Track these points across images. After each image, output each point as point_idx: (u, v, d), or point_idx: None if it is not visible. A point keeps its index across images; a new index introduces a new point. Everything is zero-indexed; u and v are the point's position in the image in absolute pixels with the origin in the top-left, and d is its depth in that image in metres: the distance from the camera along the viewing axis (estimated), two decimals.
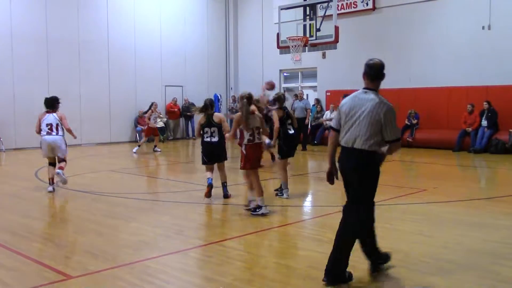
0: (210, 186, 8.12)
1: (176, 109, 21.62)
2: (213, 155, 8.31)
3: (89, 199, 8.55)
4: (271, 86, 10.56)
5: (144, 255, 5.26)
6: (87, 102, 19.05)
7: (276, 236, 6.04)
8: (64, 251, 5.47)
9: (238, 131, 7.49)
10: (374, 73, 4.69)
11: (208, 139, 8.17)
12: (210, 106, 8.21)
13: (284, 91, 22.21)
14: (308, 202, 8.77)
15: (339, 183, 4.83)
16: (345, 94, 10.38)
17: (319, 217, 7.11)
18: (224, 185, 8.41)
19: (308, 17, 15.89)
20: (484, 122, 15.24)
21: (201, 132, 8.17)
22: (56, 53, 18.22)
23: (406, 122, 17.11)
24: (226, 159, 8.53)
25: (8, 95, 17.01)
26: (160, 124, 17.56)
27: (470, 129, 15.49)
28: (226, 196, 8.35)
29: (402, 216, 6.96)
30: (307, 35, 15.57)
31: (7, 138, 16.91)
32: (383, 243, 5.54)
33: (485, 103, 15.33)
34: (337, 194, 9.16)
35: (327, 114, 18.48)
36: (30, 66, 17.58)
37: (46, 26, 17.97)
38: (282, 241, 5.78)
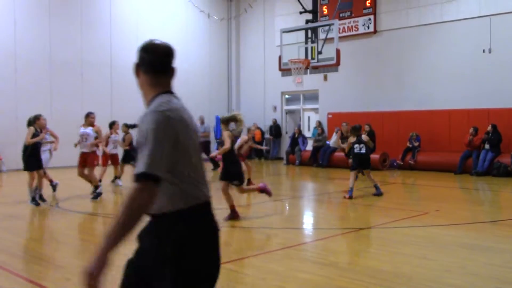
0: None
1: None
2: None
3: (89, 221, 8.50)
4: None
5: None
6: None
7: (277, 258, 5.97)
8: (63, 273, 5.41)
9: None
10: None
11: None
12: None
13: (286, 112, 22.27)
14: (309, 225, 8.71)
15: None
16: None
17: (321, 240, 7.05)
18: None
19: (309, 39, 16.03)
20: (487, 145, 15.22)
21: None
22: (59, 73, 18.34)
23: (408, 144, 17.10)
24: None
25: (11, 115, 17.06)
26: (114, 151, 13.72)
27: (471, 137, 15.46)
28: None
29: (404, 239, 6.89)
30: (309, 57, 15.68)
31: (8, 158, 16.92)
32: (386, 267, 5.49)
33: (489, 126, 15.30)
34: (338, 217, 9.12)
35: (334, 137, 18.53)
36: (33, 87, 17.70)
37: (49, 47, 18.14)
38: (283, 264, 5.72)
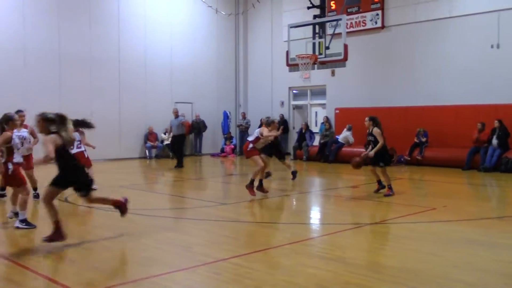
0: None
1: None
2: None
3: (97, 215, 8.56)
4: None
5: (152, 271, 5.25)
6: (97, 118, 19.03)
7: (284, 253, 6.00)
8: (73, 267, 5.47)
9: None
10: None
11: None
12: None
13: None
14: (316, 220, 8.74)
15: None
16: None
17: (327, 235, 7.08)
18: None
19: (317, 35, 16.00)
20: (494, 141, 15.15)
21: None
22: (68, 69, 18.45)
23: (415, 140, 17.07)
24: None
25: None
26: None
27: (477, 134, 15.41)
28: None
29: (411, 235, 6.90)
30: (316, 53, 15.65)
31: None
32: (393, 262, 5.50)
33: (496, 121, 15.25)
34: (345, 212, 9.13)
35: (344, 132, 18.53)
36: (42, 82, 17.80)
37: (58, 42, 18.23)
38: (290, 259, 5.75)
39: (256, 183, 10.33)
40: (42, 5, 18.00)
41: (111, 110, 19.74)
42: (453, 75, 17.28)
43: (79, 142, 11.50)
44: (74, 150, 11.42)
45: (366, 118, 10.46)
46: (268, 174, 12.50)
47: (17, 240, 6.80)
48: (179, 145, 17.22)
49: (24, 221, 7.27)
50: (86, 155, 11.60)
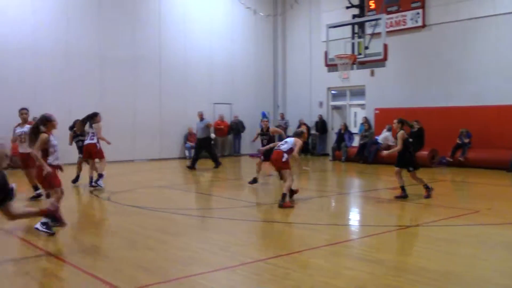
0: None
1: (223, 126, 21.89)
2: None
3: (139, 214, 8.73)
4: None
5: (193, 270, 5.33)
6: (138, 119, 19.57)
7: (323, 255, 5.99)
8: (115, 265, 5.60)
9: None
10: None
11: None
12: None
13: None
14: (355, 222, 8.67)
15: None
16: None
17: (367, 237, 7.01)
18: None
19: (356, 35, 15.86)
20: None
21: None
22: (109, 70, 18.90)
23: (458, 141, 16.70)
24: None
25: (65, 109, 17.53)
26: None
27: None
28: None
29: (454, 238, 6.77)
30: (355, 53, 15.52)
31: (63, 152, 17.46)
32: (434, 266, 5.42)
33: None
34: (385, 214, 9.03)
35: (384, 133, 18.15)
36: (85, 83, 18.31)
37: (100, 43, 18.69)
38: (329, 260, 5.73)
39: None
40: (85, 8, 18.50)
41: (152, 110, 20.10)
42: (497, 75, 16.83)
43: (92, 134, 11.82)
44: (86, 141, 11.86)
45: (395, 121, 10.08)
46: (255, 181, 12.28)
47: (58, 236, 7.00)
48: (208, 147, 17.13)
49: (45, 224, 6.81)
50: (98, 147, 11.87)
